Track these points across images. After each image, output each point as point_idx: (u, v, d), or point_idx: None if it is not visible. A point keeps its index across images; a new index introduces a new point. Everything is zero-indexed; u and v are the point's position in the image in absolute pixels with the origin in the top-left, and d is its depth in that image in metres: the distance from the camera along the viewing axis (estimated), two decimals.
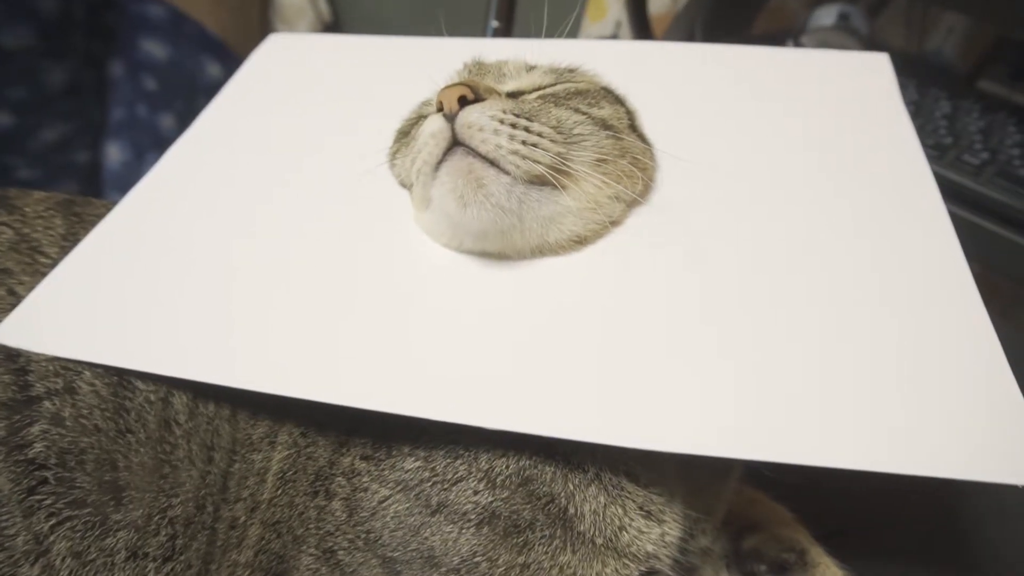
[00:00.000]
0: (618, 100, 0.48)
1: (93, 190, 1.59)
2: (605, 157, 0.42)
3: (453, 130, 0.39)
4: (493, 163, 0.39)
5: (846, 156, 0.48)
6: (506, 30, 0.89)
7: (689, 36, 1.02)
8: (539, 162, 0.39)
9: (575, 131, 0.43)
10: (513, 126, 0.39)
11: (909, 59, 0.88)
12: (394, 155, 0.47)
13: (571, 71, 0.48)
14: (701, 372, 0.35)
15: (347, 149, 0.50)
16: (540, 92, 0.45)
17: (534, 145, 0.39)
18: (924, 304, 0.38)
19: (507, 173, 0.39)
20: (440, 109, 0.40)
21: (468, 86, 0.40)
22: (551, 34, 0.49)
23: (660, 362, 0.36)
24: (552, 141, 0.40)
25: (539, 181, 0.40)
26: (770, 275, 0.40)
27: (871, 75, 0.54)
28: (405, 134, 0.47)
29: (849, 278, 0.40)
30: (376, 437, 0.37)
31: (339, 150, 0.50)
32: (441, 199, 0.39)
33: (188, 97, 1.63)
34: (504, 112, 0.40)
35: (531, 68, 0.48)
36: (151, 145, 1.58)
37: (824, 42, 0.86)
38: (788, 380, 0.35)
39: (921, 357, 0.36)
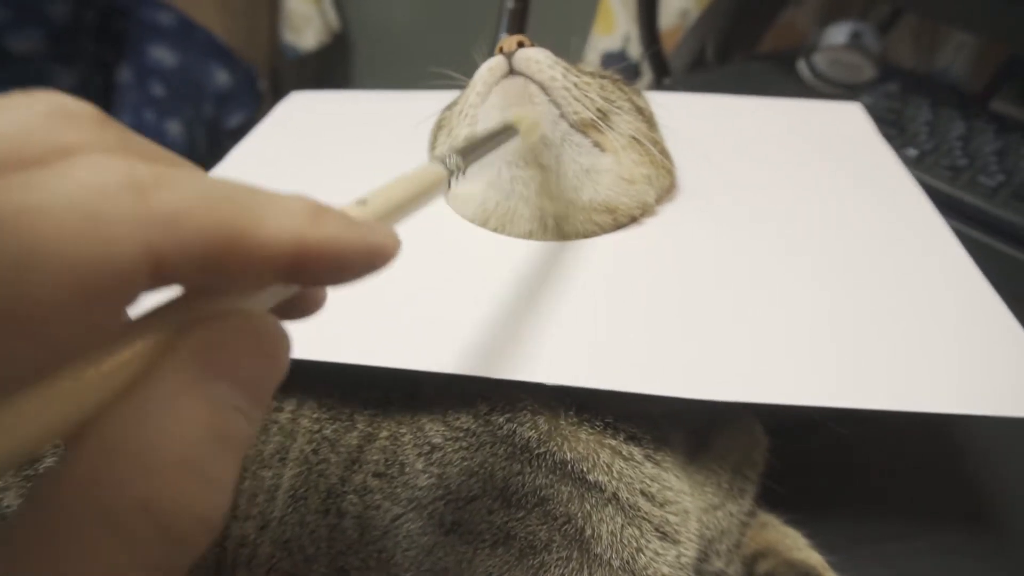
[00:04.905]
0: (648, 102, 0.48)
1: None
2: (640, 138, 0.43)
3: (510, 64, 0.40)
4: (545, 91, 0.40)
5: (838, 178, 0.51)
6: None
7: (700, 53, 1.02)
8: (587, 108, 0.40)
9: (618, 102, 0.44)
10: (567, 69, 0.41)
11: (922, 79, 0.87)
12: (436, 134, 0.48)
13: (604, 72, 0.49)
14: (737, 330, 0.37)
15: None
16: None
17: (585, 92, 0.41)
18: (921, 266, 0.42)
19: (556, 106, 0.40)
20: (499, 52, 0.41)
21: (527, 38, 0.42)
22: (562, 42, 0.50)
23: (698, 322, 0.38)
24: (600, 97, 0.42)
25: (582, 130, 0.41)
26: (791, 260, 0.42)
27: (850, 120, 0.59)
28: (443, 117, 0.48)
29: (855, 255, 0.43)
30: (389, 454, 0.37)
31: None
32: (487, 117, 0.40)
33: (195, 104, 1.63)
34: (558, 60, 0.41)
35: (573, 62, 0.49)
36: None
37: (837, 60, 0.86)
38: (802, 333, 0.37)
39: (924, 309, 0.39)
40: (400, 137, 0.56)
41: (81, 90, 1.52)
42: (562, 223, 0.42)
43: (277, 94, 2.05)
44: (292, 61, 1.91)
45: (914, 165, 0.67)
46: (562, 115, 0.40)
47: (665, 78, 0.95)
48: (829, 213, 0.46)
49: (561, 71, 0.41)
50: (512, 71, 0.40)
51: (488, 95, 0.40)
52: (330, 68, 2.04)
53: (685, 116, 0.57)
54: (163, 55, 1.59)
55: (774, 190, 0.48)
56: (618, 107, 0.43)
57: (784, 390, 0.33)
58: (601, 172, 0.41)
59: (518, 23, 0.89)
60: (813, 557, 0.42)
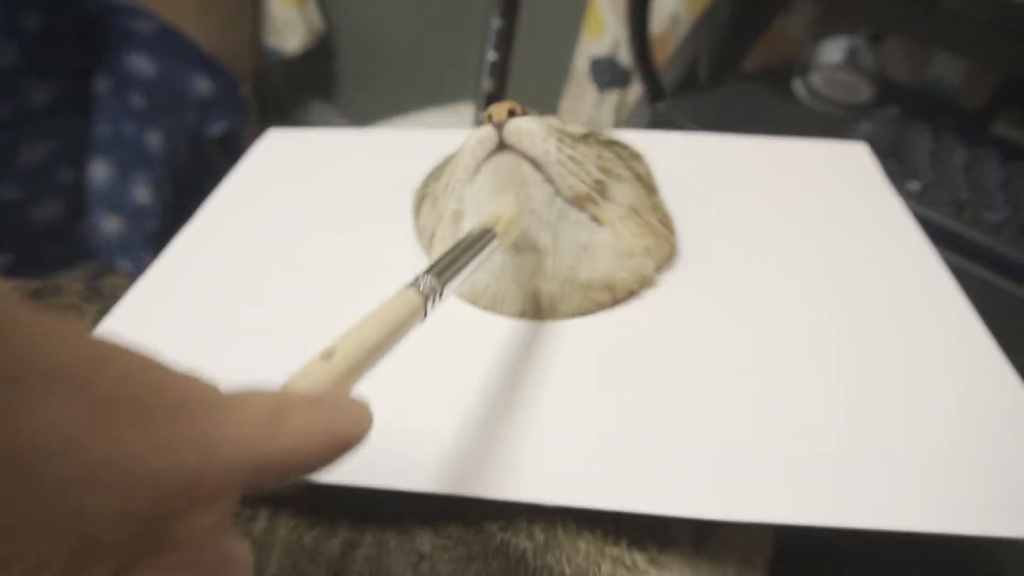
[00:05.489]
0: (647, 166, 0.46)
1: (78, 209, 1.56)
2: (639, 208, 0.41)
3: (501, 136, 0.38)
4: (539, 168, 0.38)
5: (843, 230, 0.49)
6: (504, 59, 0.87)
7: (692, 66, 0.99)
8: (583, 181, 0.38)
9: (615, 171, 0.42)
10: (560, 140, 0.39)
11: (920, 99, 0.85)
12: (420, 204, 0.45)
13: (597, 130, 0.47)
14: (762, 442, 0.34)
15: (360, 237, 0.48)
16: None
17: (580, 163, 0.39)
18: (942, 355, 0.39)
19: (551, 183, 0.38)
20: (488, 121, 0.39)
21: (518, 105, 0.40)
22: (553, 33, 0.48)
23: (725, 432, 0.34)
24: (596, 167, 0.40)
25: (578, 204, 0.39)
26: (798, 343, 0.40)
27: (856, 164, 0.57)
28: (428, 184, 0.46)
29: (873, 343, 0.40)
30: (373, 563, 0.35)
31: (352, 239, 0.48)
32: (476, 198, 0.38)
33: (176, 114, 1.59)
34: (552, 129, 0.39)
35: (565, 122, 0.46)
36: (138, 163, 1.54)
37: (833, 80, 0.84)
38: (812, 440, 0.34)
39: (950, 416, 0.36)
40: (383, 180, 0.54)
41: (57, 103, 1.48)
42: (557, 303, 0.39)
43: (261, 101, 2.01)
44: (275, 65, 1.87)
45: (917, 200, 0.65)
46: (557, 192, 0.38)
47: (658, 102, 0.92)
48: (836, 280, 0.44)
49: (555, 144, 0.38)
50: (502, 144, 0.38)
51: (476, 170, 0.38)
52: (315, 72, 2.00)
53: (683, 160, 0.55)
54: (142, 64, 1.55)
55: (779, 252, 0.46)
56: (616, 176, 0.41)
57: (801, 509, 0.31)
58: (599, 248, 0.39)
59: (505, 42, 0.87)
60: None
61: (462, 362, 0.37)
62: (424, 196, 0.44)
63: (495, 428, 0.34)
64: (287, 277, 0.45)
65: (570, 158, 0.38)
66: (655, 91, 0.97)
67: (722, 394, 0.36)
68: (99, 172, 1.56)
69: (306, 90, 2.11)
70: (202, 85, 1.62)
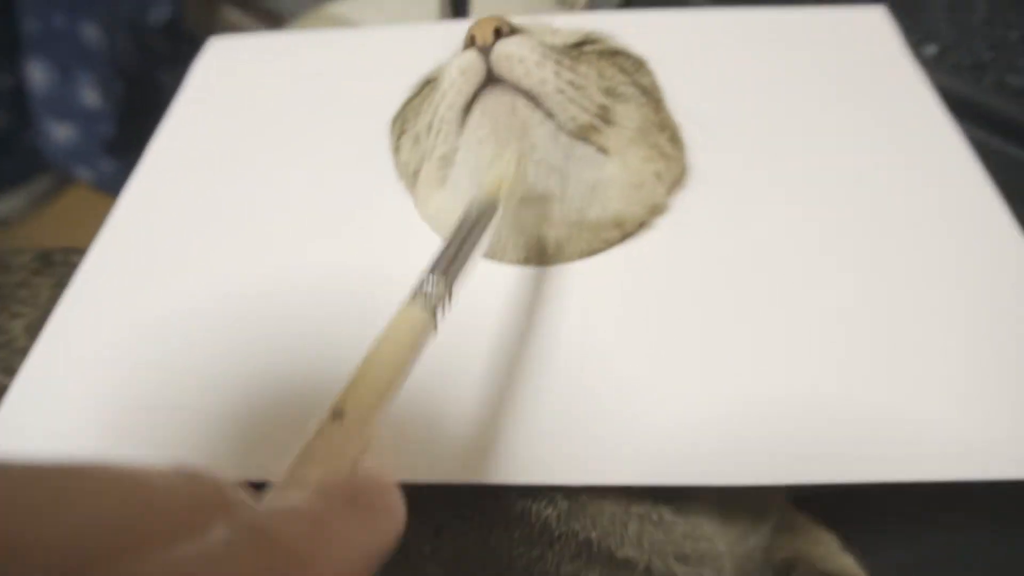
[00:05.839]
0: (652, 73, 0.40)
1: (22, 117, 1.45)
2: (647, 126, 0.36)
3: (488, 64, 0.32)
4: (537, 102, 0.33)
5: (866, 116, 0.45)
6: None
7: None
8: (587, 109, 0.33)
9: (619, 89, 0.36)
10: (558, 63, 0.33)
11: None
12: (398, 139, 0.40)
13: (593, 33, 0.41)
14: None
15: (329, 156, 0.43)
16: (580, 49, 0.39)
17: (581, 88, 0.33)
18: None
19: (552, 118, 0.33)
20: (471, 45, 0.33)
21: (505, 20, 0.34)
22: None
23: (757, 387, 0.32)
24: (599, 89, 0.34)
25: (583, 136, 0.34)
26: (830, 257, 0.37)
27: (874, 31, 0.51)
28: (406, 118, 0.40)
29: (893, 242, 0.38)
30: None
31: (322, 158, 0.43)
32: (470, 149, 0.33)
33: (109, 2, 1.44)
34: (547, 48, 0.33)
35: (555, 31, 0.41)
36: (78, 60, 1.42)
37: None
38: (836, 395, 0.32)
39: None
40: (344, 93, 0.49)
41: None
42: (564, 246, 0.36)
43: None
44: None
45: (935, 67, 0.59)
46: (559, 127, 0.33)
47: None
48: (857, 182, 0.40)
49: (552, 68, 0.33)
50: (491, 75, 0.32)
51: (464, 109, 0.33)
52: None
53: (683, 48, 0.49)
54: None
55: (796, 157, 0.42)
56: (620, 95, 0.36)
57: (832, 467, 0.29)
58: (608, 185, 0.35)
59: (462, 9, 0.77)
60: (846, 562, 0.40)
61: (465, 321, 0.34)
62: (403, 131, 0.39)
63: (507, 403, 0.31)
64: (255, 227, 0.40)
65: (570, 83, 0.33)
66: None
67: (739, 339, 0.34)
68: (37, 74, 1.43)
69: None
70: None
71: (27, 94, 1.45)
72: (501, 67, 0.32)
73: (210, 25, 1.86)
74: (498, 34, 0.33)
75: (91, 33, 1.43)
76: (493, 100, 0.32)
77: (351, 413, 0.19)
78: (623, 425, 0.31)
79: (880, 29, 0.51)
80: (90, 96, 1.45)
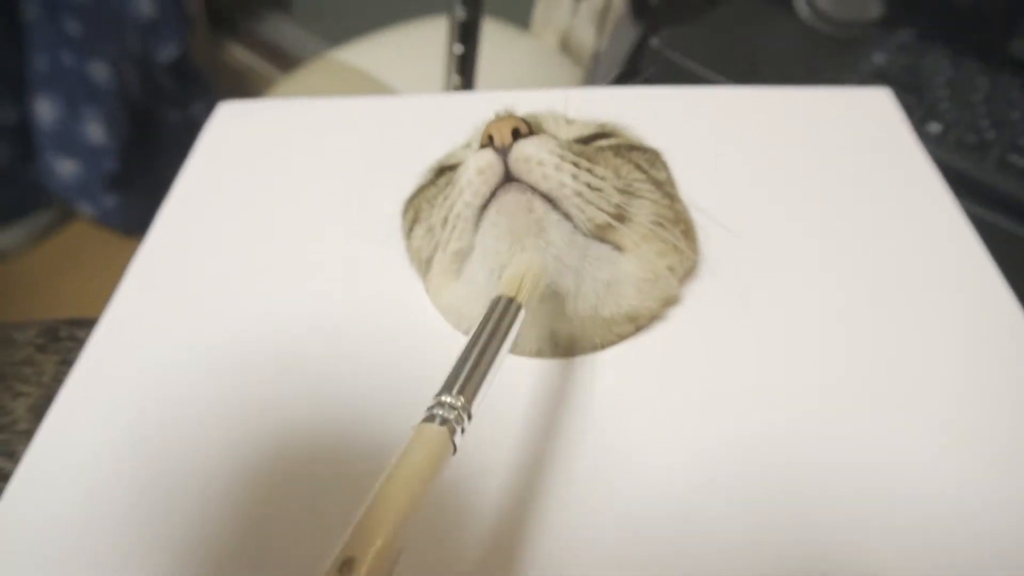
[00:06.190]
0: (666, 165, 0.41)
1: (26, 151, 1.45)
2: (662, 221, 0.36)
3: (506, 164, 0.33)
4: (554, 204, 0.33)
5: (873, 198, 0.45)
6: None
7: None
8: (603, 210, 0.33)
9: (634, 186, 0.37)
10: (575, 165, 0.33)
11: (931, 13, 0.79)
12: (411, 226, 0.40)
13: (608, 125, 0.42)
14: None
15: (340, 229, 0.44)
16: (595, 144, 0.39)
17: (598, 190, 0.34)
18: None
19: (568, 219, 0.33)
20: (488, 144, 0.33)
21: (523, 119, 0.34)
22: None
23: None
24: (615, 189, 0.35)
25: (599, 235, 0.34)
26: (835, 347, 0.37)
27: (879, 115, 0.52)
28: (420, 207, 0.40)
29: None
30: None
31: (332, 231, 0.44)
32: (487, 246, 0.33)
33: (119, 39, 1.46)
34: (564, 149, 0.33)
35: (570, 121, 0.41)
36: (86, 96, 1.43)
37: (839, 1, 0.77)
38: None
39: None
40: (353, 156, 0.50)
41: None
42: (577, 340, 0.35)
43: (212, 19, 1.85)
44: None
45: (939, 145, 0.61)
46: (576, 228, 0.33)
47: (643, 19, 0.84)
48: (862, 266, 0.41)
49: (570, 171, 0.33)
50: (509, 175, 0.33)
51: (480, 208, 0.33)
52: None
53: (692, 125, 0.50)
54: None
55: (805, 245, 0.42)
56: (636, 191, 0.36)
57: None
58: (623, 282, 0.35)
59: (468, 69, 0.79)
60: None
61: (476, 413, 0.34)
62: (416, 220, 0.39)
63: (519, 506, 0.31)
64: (265, 305, 0.40)
65: (587, 185, 0.33)
66: (639, 5, 0.89)
67: (752, 429, 0.33)
68: (44, 109, 1.44)
69: (259, 4, 1.95)
70: (143, 5, 1.48)
71: (32, 129, 1.46)
72: (519, 169, 0.32)
73: (216, 64, 1.88)
74: (516, 134, 0.33)
75: (100, 70, 1.44)
76: (510, 199, 0.32)
77: (362, 564, 0.18)
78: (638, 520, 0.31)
79: (886, 110, 0.52)
80: (96, 132, 1.46)
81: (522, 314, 0.28)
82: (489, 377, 0.26)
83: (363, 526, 0.19)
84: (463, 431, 0.24)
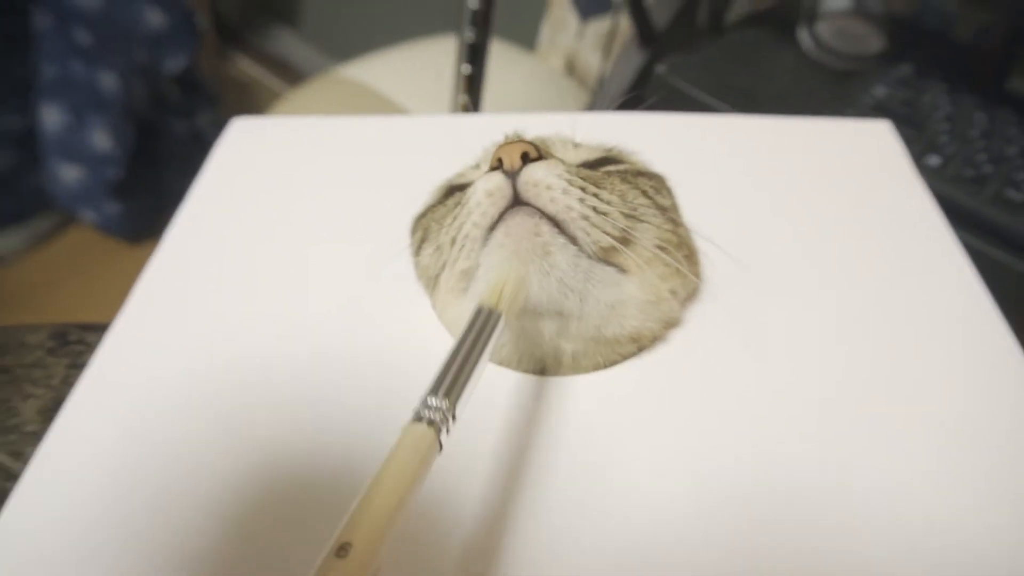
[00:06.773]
0: (671, 191, 0.42)
1: (30, 157, 1.46)
2: (665, 245, 0.37)
3: (515, 187, 0.34)
4: (560, 228, 0.33)
5: (871, 230, 0.46)
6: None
7: (687, 7, 0.92)
8: (609, 233, 0.34)
9: (639, 210, 0.37)
10: (583, 189, 0.34)
11: (930, 47, 0.80)
12: (420, 244, 0.41)
13: (614, 150, 0.43)
14: None
15: (348, 250, 0.44)
16: (603, 170, 0.40)
17: (604, 214, 0.34)
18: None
19: (574, 242, 0.34)
20: (497, 167, 0.34)
21: (532, 143, 0.35)
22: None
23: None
24: (621, 213, 0.35)
25: (604, 258, 0.35)
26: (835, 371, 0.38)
27: (880, 149, 0.53)
28: (428, 226, 0.41)
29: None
30: None
31: (340, 252, 0.44)
32: (492, 267, 0.34)
33: (127, 50, 1.47)
34: (572, 174, 0.34)
35: (577, 145, 0.42)
36: (93, 106, 1.44)
37: (841, 30, 0.78)
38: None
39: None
40: (363, 171, 0.50)
41: None
42: (580, 359, 0.36)
43: (220, 32, 1.88)
44: None
45: (937, 177, 0.62)
46: (581, 251, 0.34)
47: (648, 46, 0.86)
48: (859, 296, 0.41)
49: (577, 196, 0.34)
50: (517, 198, 0.34)
51: (488, 229, 0.34)
52: None
53: (694, 153, 0.51)
54: None
55: (805, 270, 0.43)
56: (641, 216, 0.37)
57: None
58: (626, 304, 0.35)
59: (476, 88, 0.80)
60: None
61: (474, 428, 0.34)
62: (424, 238, 0.40)
63: (520, 519, 0.31)
64: (275, 318, 0.41)
65: (594, 209, 0.34)
66: (646, 32, 0.91)
67: (746, 455, 0.34)
68: (50, 117, 1.45)
69: (268, 17, 1.97)
70: (152, 17, 1.50)
71: (37, 135, 1.47)
72: (527, 193, 0.33)
73: (222, 77, 1.90)
74: (525, 158, 0.34)
75: (108, 80, 1.45)
76: (517, 222, 0.33)
77: (358, 547, 0.19)
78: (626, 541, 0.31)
79: (887, 142, 0.53)
80: (101, 140, 1.47)
81: (502, 323, 0.30)
82: (472, 381, 0.27)
83: (358, 514, 0.20)
84: (448, 431, 0.25)
